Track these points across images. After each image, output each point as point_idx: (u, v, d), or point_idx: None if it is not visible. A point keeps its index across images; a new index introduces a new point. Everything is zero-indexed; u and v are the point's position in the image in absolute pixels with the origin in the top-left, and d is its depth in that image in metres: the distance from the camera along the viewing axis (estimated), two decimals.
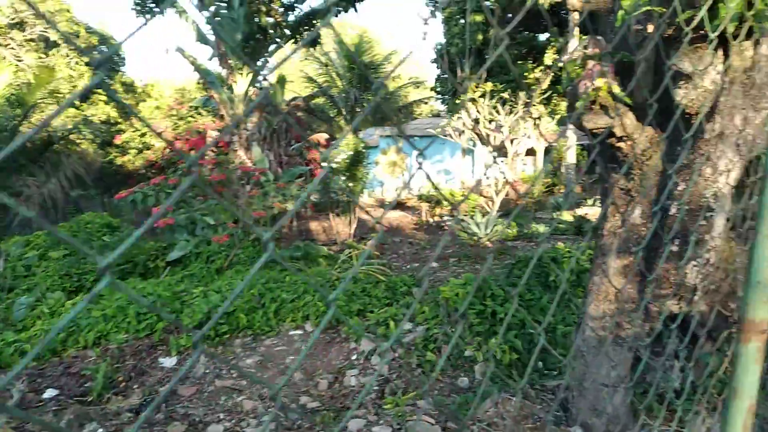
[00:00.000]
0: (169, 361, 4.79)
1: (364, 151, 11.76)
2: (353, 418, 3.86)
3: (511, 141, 14.56)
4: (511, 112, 14.50)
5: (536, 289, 5.23)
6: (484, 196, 14.53)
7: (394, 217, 15.45)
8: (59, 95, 16.75)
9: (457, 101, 17.23)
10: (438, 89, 19.96)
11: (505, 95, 14.97)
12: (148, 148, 14.36)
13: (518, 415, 3.59)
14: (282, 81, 13.05)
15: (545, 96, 17.05)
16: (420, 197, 15.80)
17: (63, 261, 7.05)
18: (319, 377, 4.59)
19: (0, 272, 6.70)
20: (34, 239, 7.82)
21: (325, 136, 13.67)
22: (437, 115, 28.85)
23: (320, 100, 18.12)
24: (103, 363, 4.53)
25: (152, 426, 3.85)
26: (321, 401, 4.19)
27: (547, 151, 19.48)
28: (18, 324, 5.49)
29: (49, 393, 4.37)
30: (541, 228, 10.29)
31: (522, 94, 14.87)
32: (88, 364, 4.64)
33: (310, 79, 18.37)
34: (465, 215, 11.56)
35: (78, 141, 13.78)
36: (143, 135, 14.42)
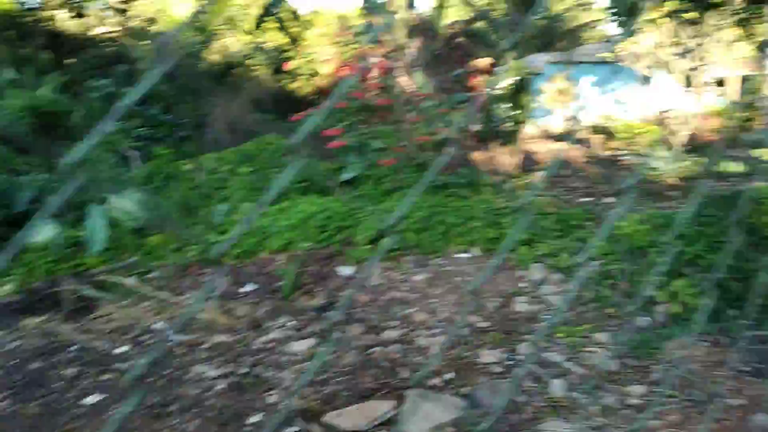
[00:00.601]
0: (347, 270, 5.15)
1: (528, 78, 11.23)
2: (522, 342, 3.90)
3: (698, 68, 12.99)
4: (697, 36, 12.85)
5: (731, 231, 4.75)
6: (667, 130, 13.29)
7: (564, 149, 14.75)
8: (234, 22, 17.92)
9: (635, 22, 15.62)
10: (612, 9, 18.20)
11: (692, 15, 13.23)
12: (316, 75, 14.99)
13: (708, 361, 3.38)
14: (442, 5, 12.71)
15: (741, 17, 14.81)
16: (591, 128, 14.84)
17: (250, 176, 7.76)
18: (487, 300, 4.66)
19: (201, 183, 7.58)
20: (225, 156, 8.67)
21: (488, 61, 13.22)
22: (609, 40, 26.54)
23: (482, 25, 17.45)
24: (291, 266, 5.00)
25: (334, 324, 4.20)
26: (490, 322, 4.26)
27: (744, 80, 17.15)
28: (217, 228, 6.20)
29: (248, 287, 4.94)
30: (734, 166, 9.23)
31: (712, 14, 13.05)
32: (279, 267, 5.15)
33: (471, 3, 17.68)
34: (645, 149, 10.71)
35: (254, 67, 14.77)
36: (310, 62, 15.05)
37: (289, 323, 4.23)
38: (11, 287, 5.19)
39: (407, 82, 11.72)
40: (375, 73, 10.18)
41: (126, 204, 6.07)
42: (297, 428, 2.79)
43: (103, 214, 5.76)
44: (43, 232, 5.95)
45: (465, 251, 5.64)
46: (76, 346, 3.92)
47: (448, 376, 3.31)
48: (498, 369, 3.44)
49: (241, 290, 4.96)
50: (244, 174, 7.87)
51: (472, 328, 4.14)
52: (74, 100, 8.87)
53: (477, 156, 11.87)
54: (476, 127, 11.96)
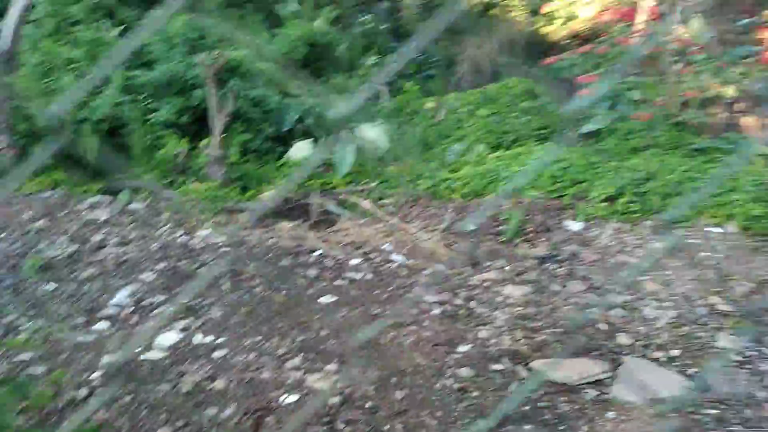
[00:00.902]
0: (575, 225, 4.91)
1: None
2: None
3: None
4: None
5: None
6: None
7: None
8: None
9: None
10: None
11: None
12: (574, 18, 14.06)
13: None
14: None
15: None
16: None
17: (488, 119, 7.73)
18: (737, 282, 4.07)
19: (440, 121, 7.80)
20: (467, 96, 8.74)
21: None
22: None
23: None
24: (516, 212, 4.93)
25: (554, 277, 4.08)
26: (735, 306, 3.73)
27: None
28: (449, 166, 6.35)
29: (470, 225, 5.03)
30: None
31: None
32: (504, 211, 5.13)
33: None
34: None
35: (511, 8, 14.40)
36: (571, 4, 14.16)
37: (506, 267, 4.22)
38: (272, 194, 6.04)
39: (681, 29, 10.35)
40: (643, 17, 9.18)
41: (373, 134, 6.55)
42: (503, 367, 2.82)
43: (352, 141, 6.30)
44: (302, 149, 6.75)
45: (718, 225, 4.95)
46: (317, 252, 4.43)
47: (674, 352, 3.01)
48: (736, 357, 3.01)
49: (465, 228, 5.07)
50: (483, 116, 7.86)
51: (712, 309, 3.67)
52: (343, 33, 9.70)
53: (749, 120, 10.14)
54: (756, 87, 10.15)
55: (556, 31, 14.02)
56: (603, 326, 3.36)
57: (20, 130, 5.55)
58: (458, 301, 3.59)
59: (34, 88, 5.72)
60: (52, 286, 3.55)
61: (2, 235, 4.20)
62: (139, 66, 6.61)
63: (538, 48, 12.88)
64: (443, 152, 6.81)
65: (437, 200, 5.66)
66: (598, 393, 2.72)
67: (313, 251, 4.48)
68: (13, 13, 5.25)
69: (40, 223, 4.49)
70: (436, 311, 3.35)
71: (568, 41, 13.25)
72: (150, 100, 6.30)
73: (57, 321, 3.14)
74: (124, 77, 6.25)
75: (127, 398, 2.50)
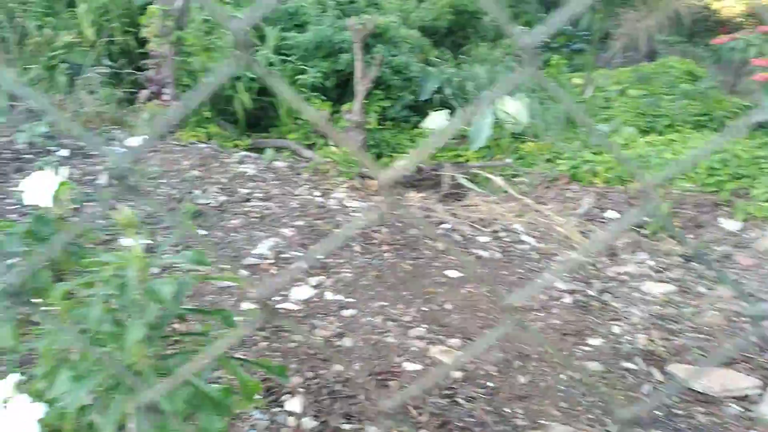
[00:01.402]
0: (730, 224, 4.46)
1: None
2: None
3: None
4: None
5: None
6: None
7: None
8: None
9: None
10: None
11: None
12: None
13: None
14: None
15: None
16: None
17: (640, 100, 7.18)
18: None
19: (587, 99, 7.37)
20: (619, 74, 8.16)
21: None
22: None
23: None
24: (664, 204, 4.57)
25: (701, 278, 3.75)
26: None
27: None
28: (593, 148, 6.00)
29: (610, 213, 4.75)
30: None
31: None
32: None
33: None
34: None
35: None
36: None
37: (648, 261, 3.95)
38: (405, 163, 6.09)
39: None
40: None
41: (512, 107, 6.34)
42: (635, 366, 2.66)
43: (490, 113, 6.15)
44: (437, 120, 6.71)
45: None
46: (446, 225, 4.43)
47: None
48: None
49: (604, 215, 4.79)
50: (634, 96, 7.31)
51: None
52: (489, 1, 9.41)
53: None
54: None
55: (727, 7, 12.58)
56: (754, 338, 3.05)
57: (184, 83, 6.04)
58: (591, 292, 3.43)
59: (198, 44, 6.18)
60: (203, 232, 3.87)
61: (164, 180, 4.63)
62: (292, 27, 6.89)
63: (706, 25, 11.68)
64: (587, 132, 6.45)
65: (576, 183, 5.40)
66: (743, 409, 2.49)
67: (442, 223, 4.48)
68: None
69: (195, 172, 4.89)
70: (567, 300, 3.22)
71: (744, 19, 11.87)
72: (299, 62, 6.56)
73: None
74: (278, 38, 6.56)
75: (263, 344, 2.68)
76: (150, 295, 1.07)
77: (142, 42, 6.37)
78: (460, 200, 5.20)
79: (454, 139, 6.27)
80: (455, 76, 7.32)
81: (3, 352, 1.50)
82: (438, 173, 5.58)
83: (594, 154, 5.76)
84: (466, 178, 5.50)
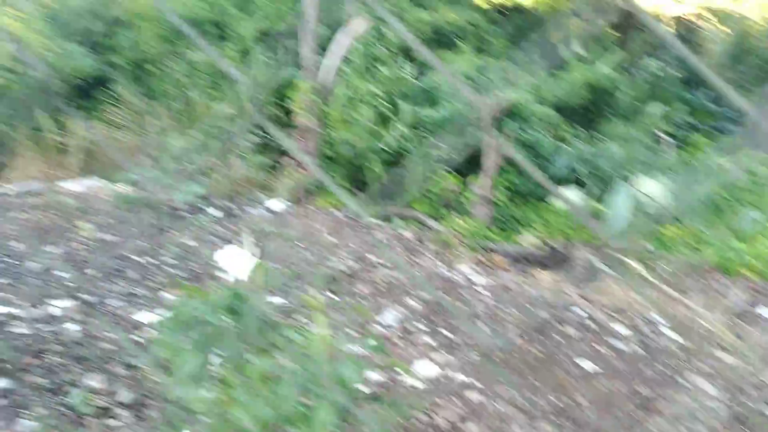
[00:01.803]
0: None
1: None
2: None
3: None
4: None
5: None
6: None
7: None
8: None
9: None
10: None
11: None
12: None
13: None
14: None
15: None
16: None
17: None
18: None
19: (734, 182, 6.86)
20: None
21: None
22: None
23: None
24: None
25: None
26: None
27: None
28: (743, 236, 5.53)
29: (764, 311, 4.30)
30: None
31: None
32: None
33: None
34: None
35: None
36: None
37: None
38: (533, 239, 5.97)
39: None
40: None
41: (652, 188, 6.04)
42: None
43: (629, 194, 5.90)
44: (569, 197, 6.54)
45: None
46: (577, 309, 4.23)
47: None
48: None
49: (757, 311, 4.34)
50: None
51: None
52: (626, 79, 9.22)
53: None
54: None
55: None
56: None
57: (326, 153, 6.44)
58: (746, 401, 3.07)
59: (339, 118, 6.60)
60: (333, 296, 4.01)
61: (301, 244, 4.90)
62: (426, 103, 7.17)
63: None
64: (736, 218, 5.96)
65: (723, 274, 4.97)
66: None
67: (573, 306, 4.29)
68: (337, 53, 6.14)
69: (330, 237, 5.13)
70: (722, 411, 2.91)
71: None
72: (431, 136, 6.77)
73: (336, 329, 3.52)
74: (413, 113, 6.84)
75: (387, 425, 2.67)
76: (336, 379, 1.13)
77: (290, 113, 6.94)
78: (594, 284, 4.96)
79: (588, 218, 6.06)
80: (589, 153, 7.15)
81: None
82: (570, 253, 5.40)
83: (744, 242, 5.30)
84: (601, 261, 5.26)
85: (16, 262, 3.83)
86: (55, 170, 6.30)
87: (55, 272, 3.77)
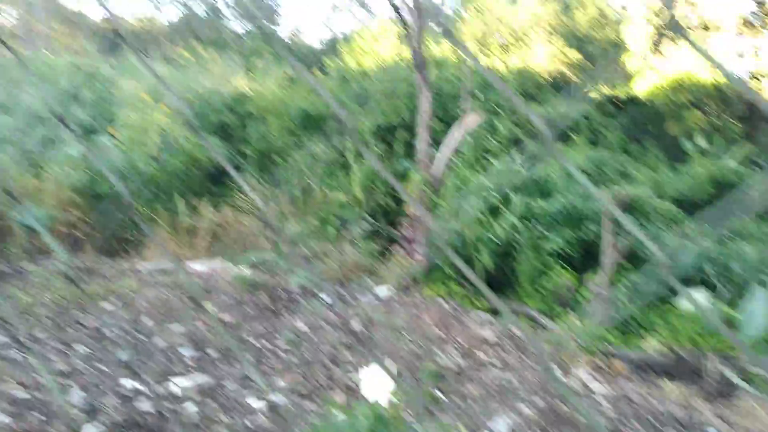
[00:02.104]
0: None
1: None
2: None
3: None
4: None
5: None
6: None
7: None
8: None
9: None
10: None
11: None
12: None
13: None
14: None
15: None
16: None
17: None
18: None
19: None
20: None
21: None
22: None
23: None
24: None
25: None
26: None
27: None
28: None
29: None
30: None
31: None
32: None
33: None
34: None
35: None
36: None
37: None
38: (656, 345, 5.51)
39: None
40: None
41: None
42: None
43: (766, 298, 5.35)
44: (696, 299, 6.03)
45: None
46: (712, 430, 3.79)
47: None
48: None
49: None
50: None
51: None
52: (756, 173, 8.64)
53: None
54: None
55: None
56: None
57: (433, 243, 6.47)
58: None
59: (449, 208, 6.67)
60: (441, 396, 3.88)
61: (407, 335, 4.85)
62: (538, 195, 7.09)
63: None
64: None
65: None
66: None
67: (706, 426, 3.85)
68: (449, 146, 6.30)
69: (436, 330, 5.05)
70: None
71: None
72: (543, 229, 6.62)
73: None
74: (523, 204, 6.77)
75: None
76: None
77: (401, 203, 7.12)
78: (728, 400, 4.45)
79: (720, 324, 5.54)
80: (717, 252, 6.64)
81: None
82: (700, 363, 4.91)
83: None
84: (737, 375, 4.73)
85: (145, 338, 4.10)
86: (184, 250, 6.81)
87: (179, 350, 3.98)
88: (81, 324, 4.27)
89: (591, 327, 5.37)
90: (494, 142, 8.05)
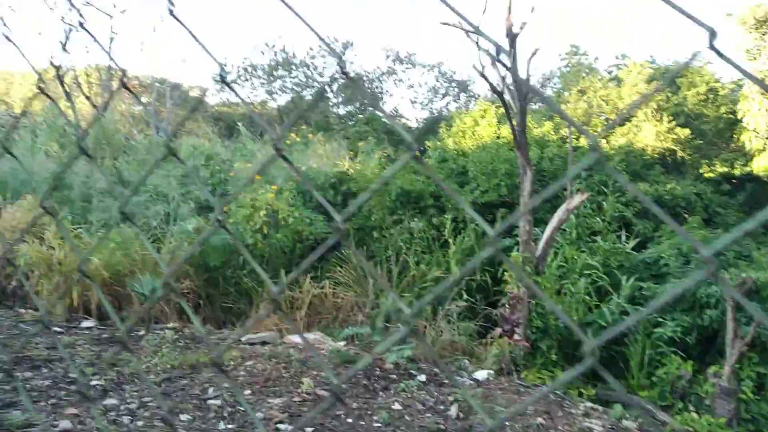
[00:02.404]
0: None
1: None
2: None
3: None
4: None
5: None
6: None
7: None
8: None
9: None
10: None
11: None
12: None
13: None
14: None
15: None
16: None
17: None
18: None
19: None
20: None
21: None
22: None
23: None
24: None
25: None
26: None
27: None
28: None
29: None
30: None
31: None
32: None
33: None
34: None
35: None
36: None
37: None
38: None
39: None
40: None
41: None
42: None
43: None
44: None
45: None
46: None
47: None
48: None
49: None
50: None
51: None
52: None
53: None
54: None
55: None
56: None
57: (536, 325, 6.20)
58: None
59: (552, 289, 6.40)
60: None
61: (507, 423, 4.58)
62: (649, 277, 6.66)
63: None
64: None
65: None
66: None
67: None
68: (552, 224, 6.14)
69: (539, 419, 4.73)
70: None
71: None
72: (656, 313, 6.17)
73: None
74: (633, 287, 6.38)
75: None
76: None
77: (498, 281, 6.94)
78: None
79: None
80: None
81: None
82: None
83: None
84: None
85: (247, 414, 4.15)
86: (283, 323, 6.97)
87: (276, 424, 3.98)
88: (185, 391, 4.42)
89: (713, 423, 4.82)
90: (600, 221, 7.75)
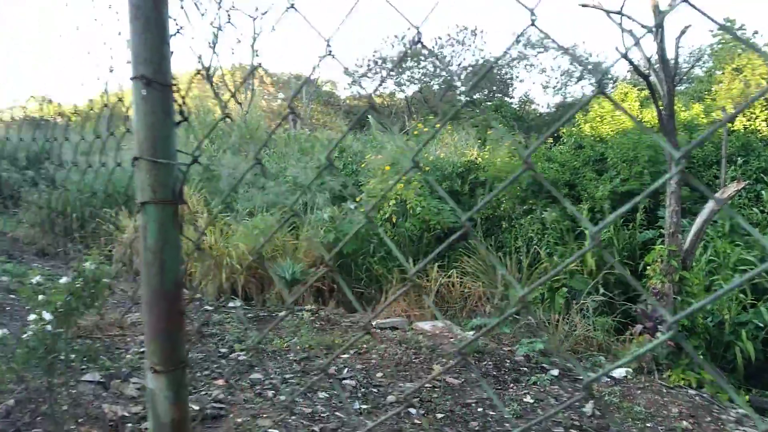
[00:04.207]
0: None
1: None
2: None
3: None
4: None
5: None
6: None
7: None
8: None
9: None
10: None
11: None
12: None
13: None
14: None
15: None
16: None
17: None
18: None
19: None
20: None
21: None
22: None
23: None
24: None
25: None
26: None
27: None
28: None
29: None
30: None
31: None
32: None
33: None
34: None
35: None
36: None
37: None
38: None
39: None
40: None
41: None
42: None
43: None
44: None
45: None
46: None
47: None
48: None
49: None
50: None
51: None
52: None
53: None
54: None
55: None
56: None
57: (681, 323, 5.75)
58: None
59: (701, 285, 5.90)
60: None
61: (649, 425, 4.31)
62: None
63: None
64: None
65: None
66: None
67: None
68: (702, 215, 5.65)
69: (685, 423, 4.40)
70: None
71: None
72: None
73: None
74: None
75: None
76: None
77: (640, 276, 6.52)
78: None
79: None
80: None
81: None
82: None
83: None
84: None
85: (380, 395, 4.31)
86: (413, 309, 7.10)
87: (409, 410, 4.09)
88: (322, 370, 4.67)
89: None
90: (758, 212, 6.97)
